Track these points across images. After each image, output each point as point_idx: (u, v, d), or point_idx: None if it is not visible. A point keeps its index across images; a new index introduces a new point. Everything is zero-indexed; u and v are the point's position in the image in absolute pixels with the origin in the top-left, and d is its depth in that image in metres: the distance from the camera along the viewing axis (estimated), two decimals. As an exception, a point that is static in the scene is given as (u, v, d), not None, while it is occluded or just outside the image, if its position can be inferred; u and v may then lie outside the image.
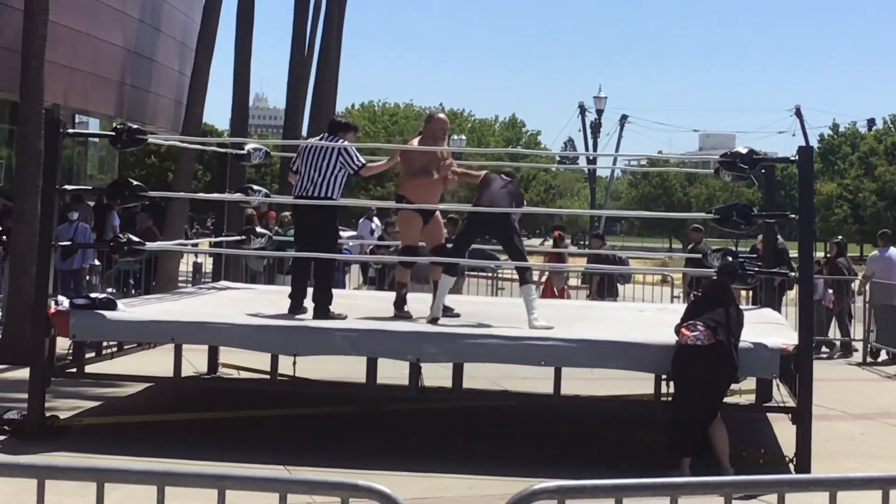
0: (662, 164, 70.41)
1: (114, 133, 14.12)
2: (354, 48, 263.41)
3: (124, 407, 14.50)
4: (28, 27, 19.19)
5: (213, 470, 4.63)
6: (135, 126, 14.48)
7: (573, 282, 27.45)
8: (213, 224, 25.81)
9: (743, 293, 18.83)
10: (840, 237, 25.16)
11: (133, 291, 22.88)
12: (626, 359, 12.32)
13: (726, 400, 12.06)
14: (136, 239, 14.75)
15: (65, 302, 12.99)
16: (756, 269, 13.66)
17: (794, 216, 13.33)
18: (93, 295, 13.95)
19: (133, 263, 22.28)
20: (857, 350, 22.69)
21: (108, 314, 12.87)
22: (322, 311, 13.43)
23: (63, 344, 13.37)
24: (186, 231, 28.54)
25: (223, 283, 18.22)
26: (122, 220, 25.74)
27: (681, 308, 13.92)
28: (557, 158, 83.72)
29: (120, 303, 13.76)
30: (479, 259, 18.55)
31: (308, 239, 13.79)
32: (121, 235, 14.74)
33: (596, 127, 67.02)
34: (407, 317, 13.70)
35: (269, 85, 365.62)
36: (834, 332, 22.93)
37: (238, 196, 17.12)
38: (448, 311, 13.80)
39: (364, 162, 13.76)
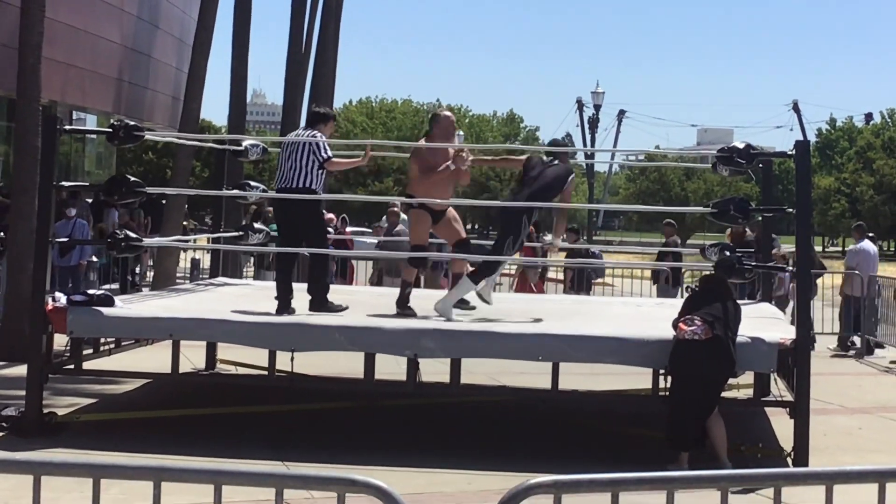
0: (660, 159, 70.60)
1: (111, 129, 14.11)
2: (352, 44, 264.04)
3: (122, 403, 14.50)
4: (25, 23, 19.18)
5: (209, 465, 4.63)
6: (132, 122, 14.48)
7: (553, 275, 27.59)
8: (212, 220, 25.86)
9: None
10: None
11: (131, 287, 22.90)
12: (623, 354, 12.33)
13: (724, 394, 12.07)
14: (133, 235, 14.78)
15: (62, 298, 12.99)
16: (753, 263, 13.69)
17: (791, 210, 13.35)
18: (90, 291, 13.97)
19: (105, 257, 22.33)
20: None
21: (106, 311, 12.87)
22: (319, 303, 13.45)
23: (61, 341, 13.34)
24: (185, 227, 28.57)
25: (221, 279, 18.21)
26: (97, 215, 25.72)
27: (678, 303, 13.92)
28: (553, 154, 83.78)
29: (117, 299, 13.76)
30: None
31: (292, 233, 13.85)
32: (118, 231, 14.75)
33: (594, 122, 67.13)
34: (410, 314, 13.70)
35: (267, 81, 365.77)
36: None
37: (235, 192, 17.12)
38: (464, 304, 13.83)
39: (330, 155, 13.73)
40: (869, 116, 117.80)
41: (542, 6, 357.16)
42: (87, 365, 13.97)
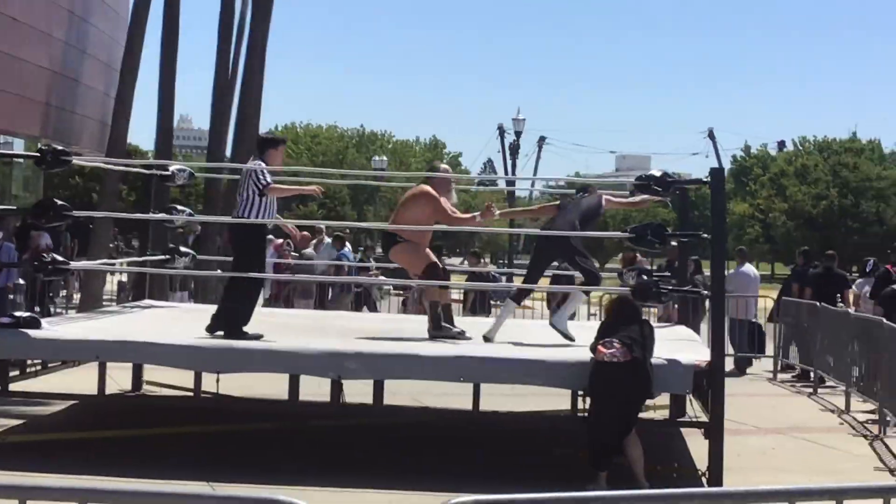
0: (580, 182, 71.00)
1: (39, 154, 14.02)
2: (278, 70, 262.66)
3: (49, 425, 14.37)
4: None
5: (135, 487, 4.60)
6: (59, 147, 14.42)
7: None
8: (139, 243, 25.78)
9: (654, 311, 19.06)
10: (696, 256, 25.19)
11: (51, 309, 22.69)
12: (543, 375, 12.37)
13: (641, 415, 12.14)
14: (60, 258, 14.66)
15: (-11, 321, 12.88)
16: (670, 287, 13.79)
17: (706, 236, 13.46)
18: (17, 313, 13.83)
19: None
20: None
21: (32, 332, 12.76)
22: (225, 325, 13.35)
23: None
24: (112, 250, 28.37)
25: (147, 301, 18.13)
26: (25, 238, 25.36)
27: (594, 325, 13.98)
28: (476, 181, 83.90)
29: (44, 321, 13.65)
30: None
31: (235, 260, 13.86)
32: (45, 255, 14.62)
33: (515, 148, 67.15)
34: (448, 334, 13.84)
35: (194, 106, 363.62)
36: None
37: (162, 216, 17.05)
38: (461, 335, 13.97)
39: (268, 181, 13.55)
40: (782, 144, 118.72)
41: (465, 34, 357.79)
42: (13, 387, 13.79)
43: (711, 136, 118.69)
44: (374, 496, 10.72)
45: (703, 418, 12.51)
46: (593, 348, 11.79)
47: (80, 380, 14.57)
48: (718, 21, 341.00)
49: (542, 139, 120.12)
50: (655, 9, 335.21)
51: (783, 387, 21.20)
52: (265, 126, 50.98)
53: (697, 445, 12.90)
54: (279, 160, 14.11)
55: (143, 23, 26.79)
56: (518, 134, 64.70)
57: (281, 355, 12.76)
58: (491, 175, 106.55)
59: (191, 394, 13.88)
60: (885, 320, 16.32)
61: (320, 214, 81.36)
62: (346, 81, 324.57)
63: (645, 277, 13.18)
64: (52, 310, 22.77)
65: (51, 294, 24.18)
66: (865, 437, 15.47)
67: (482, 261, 27.23)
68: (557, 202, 14.68)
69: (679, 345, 13.65)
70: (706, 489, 10.39)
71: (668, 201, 15.25)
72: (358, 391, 13.54)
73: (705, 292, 15.03)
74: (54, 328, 13.41)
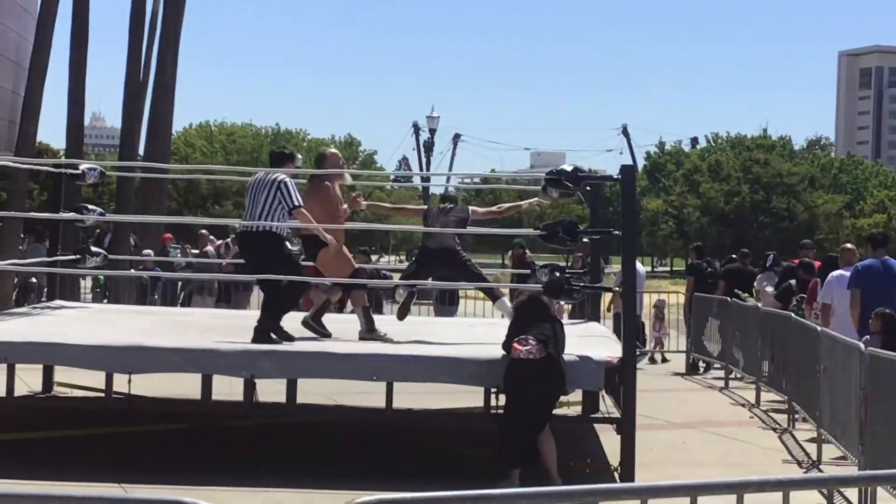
0: (494, 182, 71.01)
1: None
2: (191, 67, 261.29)
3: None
4: None
5: (44, 490, 4.56)
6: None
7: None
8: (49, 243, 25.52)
9: (567, 307, 19.11)
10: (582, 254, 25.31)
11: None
12: (456, 373, 12.40)
13: (554, 411, 12.19)
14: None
15: None
16: (582, 284, 13.86)
17: (617, 232, 13.55)
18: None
19: None
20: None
21: (-64, 335, 12.64)
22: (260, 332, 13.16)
23: None
24: (24, 249, 28.05)
25: (58, 302, 17.95)
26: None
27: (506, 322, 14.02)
28: (392, 178, 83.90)
29: (-50, 323, 13.50)
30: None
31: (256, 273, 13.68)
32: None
33: (429, 145, 67.62)
34: (378, 338, 13.76)
35: (107, 104, 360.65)
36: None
37: (72, 216, 16.89)
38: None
39: (300, 203, 13.33)
40: (695, 141, 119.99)
41: (379, 31, 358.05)
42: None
43: (625, 132, 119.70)
44: (284, 495, 10.71)
45: (616, 414, 12.60)
46: (507, 346, 11.82)
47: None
48: (632, 19, 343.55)
49: (456, 136, 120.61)
50: (570, 8, 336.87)
51: (695, 381, 21.38)
52: (178, 124, 50.64)
53: (610, 441, 13.01)
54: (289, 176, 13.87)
55: (51, 20, 26.53)
56: (432, 131, 65.03)
57: (193, 355, 12.69)
58: (406, 172, 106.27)
59: (102, 395, 13.79)
60: (793, 315, 16.52)
61: (235, 213, 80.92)
62: (261, 79, 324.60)
63: (557, 274, 13.18)
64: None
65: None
66: (775, 430, 15.65)
67: (371, 259, 27.21)
68: (423, 206, 14.70)
69: (591, 341, 13.72)
70: (614, 485, 10.45)
71: (582, 197, 15.25)
72: (272, 390, 13.55)
73: (617, 288, 15.13)
74: (-40, 330, 13.26)
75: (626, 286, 12.69)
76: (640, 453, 11.92)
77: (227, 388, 13.31)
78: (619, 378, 12.19)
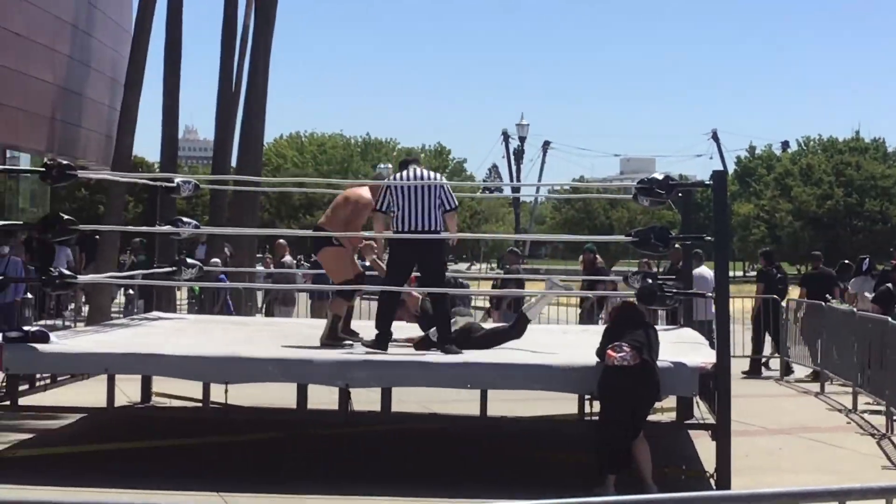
0: (584, 191, 70.90)
1: (44, 168, 14.05)
2: (282, 79, 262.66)
3: (59, 438, 14.36)
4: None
5: (145, 499, 4.62)
6: (65, 161, 14.42)
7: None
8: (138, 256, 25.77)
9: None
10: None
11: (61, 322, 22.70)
12: (550, 380, 12.39)
13: (649, 418, 12.14)
14: (67, 272, 14.68)
15: (-1, 336, 12.90)
16: (675, 290, 13.79)
17: (710, 238, 13.46)
18: (26, 328, 13.85)
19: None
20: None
21: (41, 347, 12.78)
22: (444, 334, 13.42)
23: (-4, 377, 13.24)
24: (123, 262, 28.34)
25: (155, 313, 18.13)
26: (43, 252, 25.25)
27: (600, 329, 13.97)
28: (481, 189, 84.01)
29: (53, 335, 13.66)
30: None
31: (420, 269, 13.81)
32: (52, 269, 14.63)
33: (519, 153, 67.55)
34: (338, 346, 13.73)
35: (199, 118, 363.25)
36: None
37: (168, 228, 17.06)
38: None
39: (457, 205, 13.65)
40: (786, 144, 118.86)
41: (469, 41, 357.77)
42: (23, 401, 13.81)
43: (715, 137, 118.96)
44: (379, 503, 10.69)
45: (711, 420, 12.51)
46: (601, 353, 11.80)
47: (89, 392, 14.58)
48: (721, 23, 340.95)
49: (546, 144, 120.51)
50: (657, 12, 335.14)
51: (790, 387, 21.17)
52: (270, 136, 50.81)
53: (705, 447, 12.91)
54: None
55: (146, 36, 26.80)
56: (522, 139, 64.69)
57: (289, 365, 12.77)
58: (495, 182, 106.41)
59: (199, 404, 13.91)
60: (891, 320, 16.30)
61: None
62: (351, 89, 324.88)
63: (650, 281, 13.14)
64: (61, 323, 22.80)
65: (60, 307, 24.23)
66: (873, 435, 15.45)
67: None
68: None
69: (684, 347, 13.67)
70: (713, 492, 10.39)
71: (672, 204, 15.21)
72: (366, 399, 13.59)
73: (710, 294, 15.00)
74: (63, 342, 13.41)
75: (721, 291, 12.60)
76: (736, 460, 11.82)
77: (324, 397, 13.35)
78: (714, 384, 12.11)
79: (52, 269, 14.48)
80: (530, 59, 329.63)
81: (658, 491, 10.89)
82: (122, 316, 22.65)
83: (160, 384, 16.04)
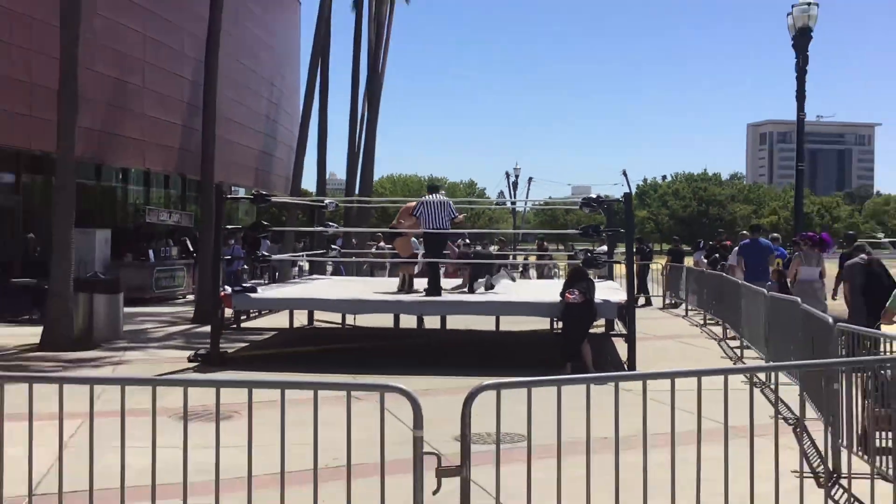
0: (551, 205, 71.17)
1: (252, 196, 14.15)
2: (380, 138, 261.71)
3: (262, 345, 14.48)
4: (206, 137, 19.24)
5: (312, 378, 4.63)
6: (264, 192, 14.52)
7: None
8: (306, 244, 26.01)
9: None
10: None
11: (263, 282, 22.84)
12: (534, 310, 12.46)
13: (590, 331, 12.10)
14: (265, 254, 14.80)
15: (229, 289, 13.02)
16: (604, 259, 13.73)
17: (622, 230, 13.38)
18: (244, 285, 13.98)
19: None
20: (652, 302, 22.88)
21: (253, 295, 12.93)
22: (434, 289, 13.23)
23: (228, 312, 13.36)
24: (296, 248, 28.50)
25: (314, 276, 18.23)
26: (253, 242, 25.38)
27: (559, 282, 13.95)
28: (495, 204, 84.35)
29: (259, 289, 13.77)
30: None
31: (435, 250, 13.49)
32: (257, 252, 14.72)
33: (515, 184, 67.33)
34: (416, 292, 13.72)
35: (337, 167, 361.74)
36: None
37: (321, 229, 17.14)
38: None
39: (458, 216, 13.51)
40: (664, 177, 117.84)
41: (474, 109, 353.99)
42: (243, 325, 13.98)
43: (624, 173, 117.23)
44: (440, 381, 10.68)
45: (624, 331, 12.46)
46: (562, 294, 11.79)
47: (279, 320, 14.71)
48: (623, 105, 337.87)
49: (530, 179, 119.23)
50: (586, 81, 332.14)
51: (668, 312, 21.04)
52: (377, 175, 51.16)
53: (621, 348, 12.86)
54: None
55: (307, 121, 26.88)
56: (517, 176, 64.84)
57: (390, 304, 12.84)
58: (502, 199, 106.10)
59: (339, 326, 13.98)
60: (724, 274, 16.21)
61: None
62: (422, 146, 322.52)
63: (589, 254, 13.09)
64: (264, 282, 22.94)
65: (262, 273, 24.31)
66: (716, 340, 15.33)
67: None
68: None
69: (609, 291, 13.66)
70: (627, 372, 10.33)
71: (602, 211, 15.06)
72: (430, 322, 13.63)
73: (621, 261, 14.90)
74: (265, 293, 13.53)
75: (628, 259, 12.55)
76: (639, 354, 11.76)
77: (408, 321, 13.38)
78: (626, 311, 12.06)
79: (257, 252, 14.59)
80: (525, 125, 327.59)
81: (595, 372, 10.85)
82: (296, 278, 22.79)
83: (318, 315, 16.15)
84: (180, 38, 27.67)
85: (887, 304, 7.51)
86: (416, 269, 15.30)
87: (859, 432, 6.04)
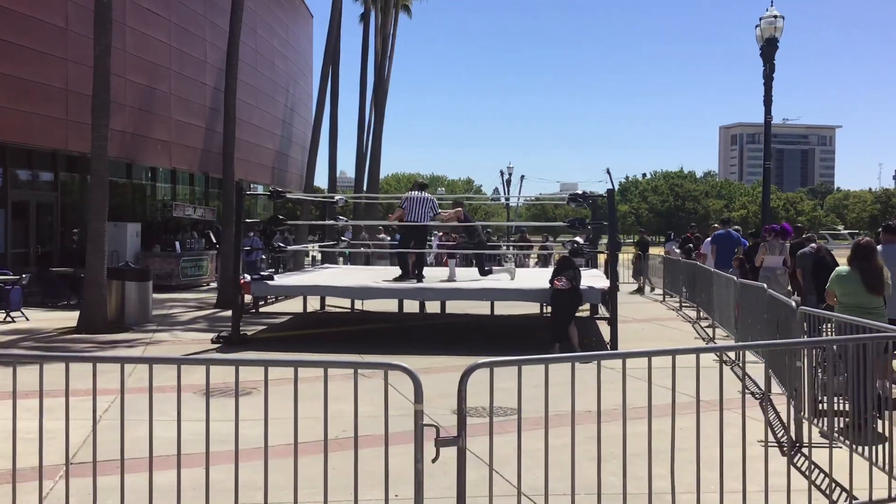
0: (541, 200, 70.86)
1: (270, 193, 14.10)
2: (385, 141, 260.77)
3: (278, 328, 14.47)
4: (227, 138, 19.18)
5: (322, 357, 4.62)
6: (280, 189, 14.47)
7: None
8: (318, 236, 25.98)
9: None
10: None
11: (279, 271, 22.83)
12: (526, 296, 12.37)
13: (577, 314, 12.09)
14: (281, 245, 14.76)
15: (248, 277, 12.99)
16: (588, 250, 13.70)
17: (606, 223, 13.36)
18: (262, 273, 13.95)
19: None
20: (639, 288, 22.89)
21: (270, 283, 12.89)
22: (419, 275, 13.29)
23: (248, 298, 13.35)
24: (310, 240, 28.49)
25: (326, 265, 18.20)
26: (272, 235, 25.33)
27: (549, 270, 13.92)
28: (490, 199, 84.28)
29: (276, 276, 13.74)
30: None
31: (412, 240, 13.45)
32: (273, 243, 14.71)
33: (509, 181, 67.21)
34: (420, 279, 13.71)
35: (347, 165, 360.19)
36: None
37: (332, 222, 17.12)
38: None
39: (439, 211, 13.37)
40: (644, 175, 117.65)
41: (471, 115, 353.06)
42: (261, 310, 13.97)
43: (608, 171, 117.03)
44: (440, 360, 10.70)
45: (607, 315, 12.45)
46: (551, 281, 11.77)
47: (294, 305, 14.70)
48: (610, 111, 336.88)
49: (522, 177, 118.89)
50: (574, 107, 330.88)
51: (649, 298, 21.02)
52: (382, 174, 51.25)
53: (605, 330, 12.85)
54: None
55: (319, 124, 26.82)
56: (510, 174, 64.66)
57: (395, 291, 12.80)
58: (497, 195, 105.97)
59: (349, 310, 13.96)
60: (699, 263, 16.17)
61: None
62: (426, 146, 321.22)
63: (575, 245, 13.06)
64: (280, 270, 22.94)
65: (278, 263, 24.27)
66: (690, 322, 15.32)
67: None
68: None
69: (594, 278, 13.60)
70: (609, 351, 10.33)
71: (587, 206, 15.04)
72: (432, 307, 13.60)
73: (603, 251, 14.88)
74: (281, 280, 13.51)
75: (612, 250, 12.53)
76: (621, 335, 11.75)
77: (411, 306, 13.34)
78: (609, 296, 12.05)
79: (273, 243, 14.58)
80: (518, 128, 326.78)
81: (581, 351, 10.85)
82: (310, 266, 22.78)
83: (329, 301, 16.13)
84: (203, 49, 27.60)
85: (826, 286, 7.55)
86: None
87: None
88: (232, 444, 4.20)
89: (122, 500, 4.12)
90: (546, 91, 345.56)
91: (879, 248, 8.39)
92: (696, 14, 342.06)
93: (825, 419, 5.70)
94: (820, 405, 5.91)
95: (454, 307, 14.63)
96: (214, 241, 24.79)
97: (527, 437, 4.18)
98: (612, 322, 11.67)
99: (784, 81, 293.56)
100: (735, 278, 11.13)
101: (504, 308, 14.01)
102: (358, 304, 15.73)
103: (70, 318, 14.61)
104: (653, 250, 24.50)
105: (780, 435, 6.48)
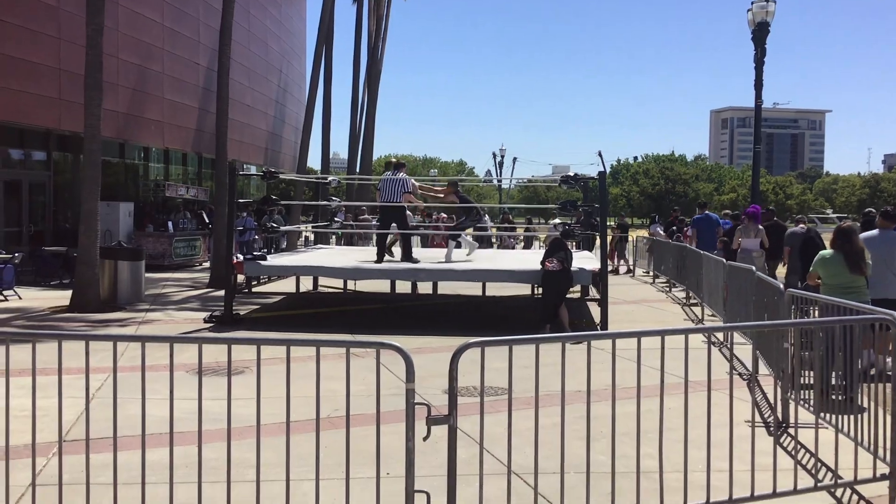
0: (534, 181, 70.91)
1: (263, 173, 14.04)
2: (379, 123, 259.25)
3: (272, 307, 14.47)
4: (220, 119, 19.04)
5: (314, 336, 4.61)
6: (273, 169, 14.41)
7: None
8: (313, 216, 25.89)
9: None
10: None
11: (272, 251, 22.78)
12: (517, 277, 12.38)
13: (568, 295, 12.11)
14: (274, 225, 14.71)
15: (241, 256, 12.96)
16: (579, 231, 13.71)
17: (597, 206, 13.35)
18: (255, 253, 13.92)
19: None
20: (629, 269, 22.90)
21: (263, 262, 12.85)
22: (408, 256, 13.22)
23: (240, 278, 13.31)
24: (302, 220, 28.41)
25: (319, 246, 18.16)
26: (265, 215, 25.28)
27: (540, 251, 13.94)
28: (483, 181, 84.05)
29: (269, 256, 13.71)
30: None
31: (389, 221, 13.41)
32: (266, 223, 14.66)
33: (501, 163, 67.15)
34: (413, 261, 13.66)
35: (340, 147, 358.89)
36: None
37: (324, 202, 17.06)
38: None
39: (409, 189, 13.14)
40: (635, 158, 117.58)
41: (464, 97, 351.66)
42: (254, 290, 13.94)
43: (600, 154, 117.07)
44: (432, 339, 10.72)
45: (597, 296, 12.48)
46: (542, 263, 11.77)
47: (286, 285, 14.68)
48: (604, 93, 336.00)
49: (514, 159, 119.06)
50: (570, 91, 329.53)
51: (639, 280, 21.07)
52: (375, 155, 51.19)
53: (595, 311, 12.88)
54: (407, 173, 13.53)
55: (313, 105, 26.68)
56: (503, 156, 64.71)
57: (387, 272, 12.78)
58: (489, 177, 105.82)
59: (341, 290, 13.94)
60: (687, 245, 16.19)
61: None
62: (421, 125, 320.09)
63: (567, 226, 13.06)
64: (272, 250, 22.89)
65: (271, 243, 24.23)
66: (679, 303, 15.38)
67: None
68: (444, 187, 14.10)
69: (585, 260, 13.62)
70: (597, 332, 10.36)
71: (579, 188, 15.02)
72: (424, 287, 13.58)
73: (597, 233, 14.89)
74: (274, 260, 13.48)
75: (602, 232, 12.53)
76: (611, 316, 11.79)
77: (404, 286, 13.31)
78: (599, 278, 12.07)
79: (266, 223, 14.53)
80: (510, 110, 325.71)
81: (571, 332, 10.88)
82: (303, 247, 22.74)
83: (322, 281, 16.11)
84: (196, 29, 27.36)
85: (810, 268, 7.70)
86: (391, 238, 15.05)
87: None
88: (224, 423, 4.20)
89: (115, 477, 4.12)
90: (540, 75, 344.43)
91: (875, 232, 8.48)
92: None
93: (810, 392, 5.74)
94: (802, 378, 5.95)
95: (446, 288, 14.63)
96: (207, 221, 24.71)
97: (517, 416, 4.19)
98: (603, 303, 11.69)
99: (775, 66, 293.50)
100: (724, 260, 11.16)
101: (496, 289, 14.02)
102: (350, 285, 15.72)
103: (63, 297, 14.56)
104: (638, 232, 24.63)
105: (766, 415, 6.52)
